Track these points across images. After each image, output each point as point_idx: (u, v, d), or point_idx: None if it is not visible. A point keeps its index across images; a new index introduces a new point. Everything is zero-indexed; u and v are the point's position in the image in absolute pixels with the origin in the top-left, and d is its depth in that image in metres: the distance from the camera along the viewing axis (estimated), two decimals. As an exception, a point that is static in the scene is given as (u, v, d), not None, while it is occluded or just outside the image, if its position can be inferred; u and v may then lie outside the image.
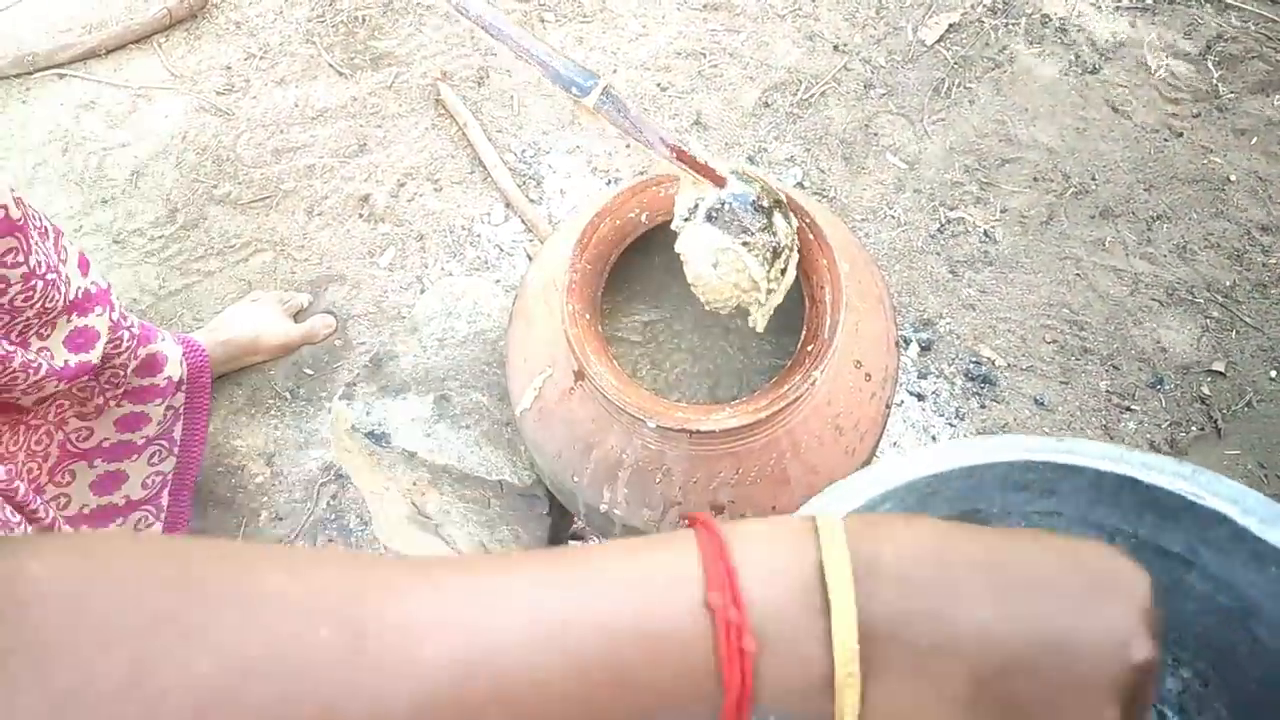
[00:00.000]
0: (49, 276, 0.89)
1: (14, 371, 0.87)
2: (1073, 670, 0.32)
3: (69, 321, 0.97)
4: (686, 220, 0.69)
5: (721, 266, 0.69)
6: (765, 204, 0.69)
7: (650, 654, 0.32)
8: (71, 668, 0.28)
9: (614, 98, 0.67)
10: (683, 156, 0.68)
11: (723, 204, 0.69)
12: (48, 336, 0.95)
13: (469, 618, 0.32)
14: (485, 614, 0.32)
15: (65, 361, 0.95)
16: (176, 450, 1.18)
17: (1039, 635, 0.32)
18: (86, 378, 1.00)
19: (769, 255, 0.69)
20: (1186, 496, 0.60)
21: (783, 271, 0.70)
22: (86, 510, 1.07)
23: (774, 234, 0.69)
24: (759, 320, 0.71)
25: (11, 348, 0.87)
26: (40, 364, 0.90)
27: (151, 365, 1.13)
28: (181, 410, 1.19)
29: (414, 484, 1.02)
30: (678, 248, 0.71)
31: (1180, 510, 0.61)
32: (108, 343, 1.01)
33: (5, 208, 0.82)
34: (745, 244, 0.68)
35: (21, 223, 0.84)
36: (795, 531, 0.35)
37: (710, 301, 0.70)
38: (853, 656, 0.32)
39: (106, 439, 1.09)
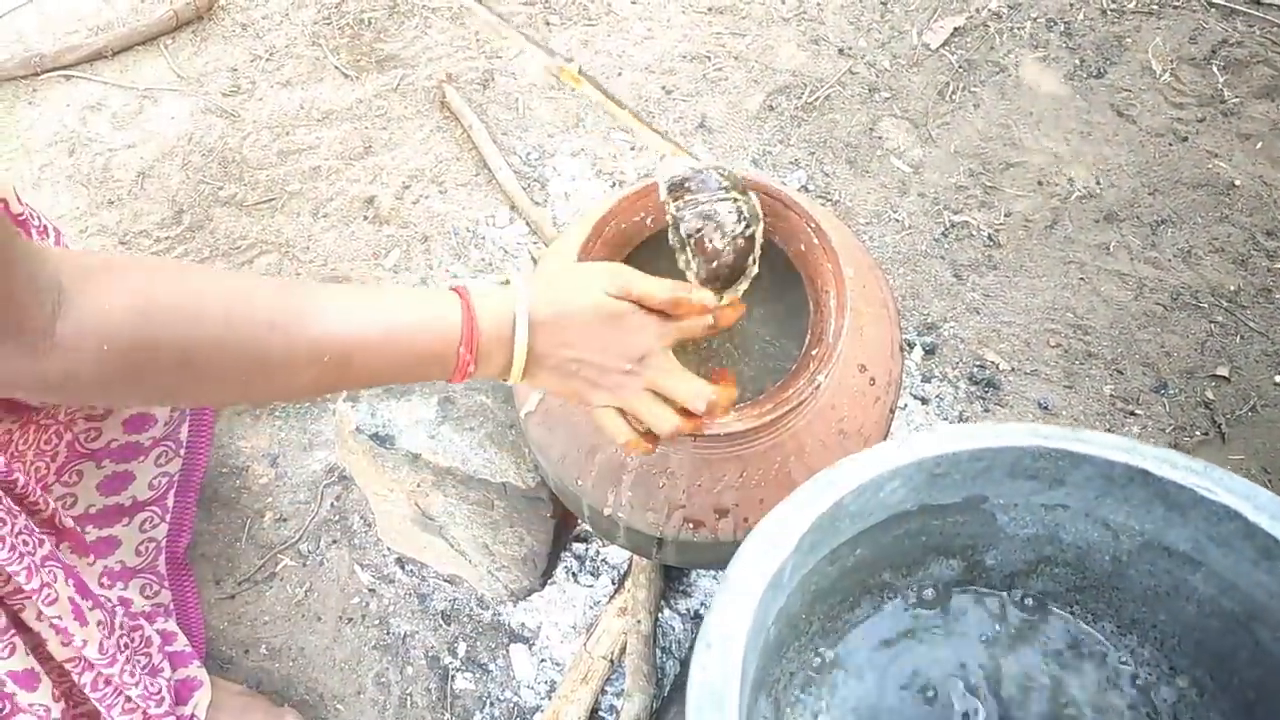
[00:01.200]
0: None
1: None
2: (619, 357, 0.68)
3: None
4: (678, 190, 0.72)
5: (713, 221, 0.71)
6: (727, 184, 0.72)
7: (427, 359, 0.64)
8: (144, 349, 0.56)
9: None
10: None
11: (697, 174, 0.73)
12: None
13: (344, 314, 0.62)
14: (353, 322, 0.62)
15: None
16: (183, 452, 1.18)
17: (587, 370, 0.68)
18: None
19: (743, 217, 0.71)
20: (1198, 491, 0.60)
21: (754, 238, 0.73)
22: (93, 510, 1.07)
23: (745, 201, 0.72)
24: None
25: None
26: None
27: None
28: (187, 411, 1.19)
29: (418, 486, 1.02)
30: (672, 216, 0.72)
31: (1190, 505, 0.61)
32: None
33: (6, 201, 0.83)
34: (726, 200, 0.70)
35: (23, 218, 0.84)
36: (506, 298, 0.66)
37: (705, 263, 0.71)
38: (520, 368, 0.66)
39: (114, 439, 1.09)
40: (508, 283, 0.67)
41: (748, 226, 0.70)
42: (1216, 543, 0.62)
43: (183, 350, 0.56)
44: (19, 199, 0.86)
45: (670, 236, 0.74)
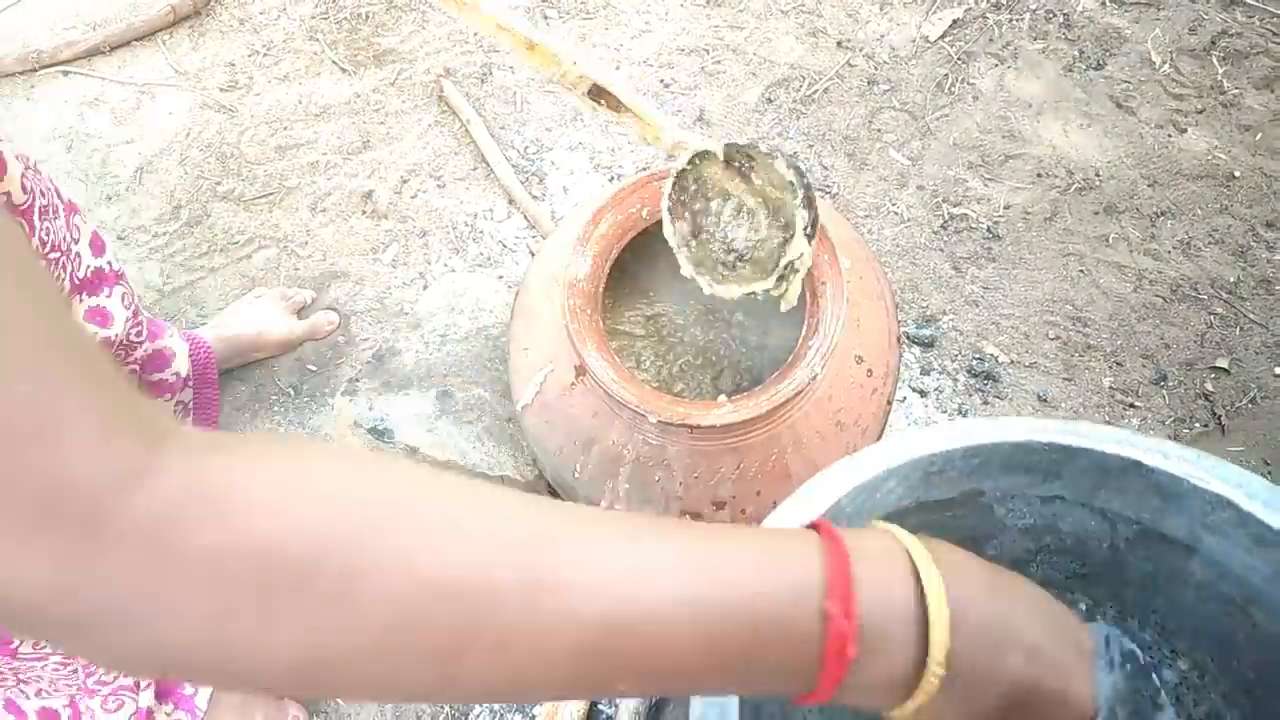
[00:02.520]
0: (51, 255, 0.88)
1: None
2: (1056, 713, 0.43)
3: (80, 301, 0.97)
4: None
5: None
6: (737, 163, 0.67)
7: (767, 641, 0.38)
8: (290, 572, 0.31)
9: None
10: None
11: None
12: None
13: (625, 585, 0.37)
14: (638, 584, 0.37)
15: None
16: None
17: (1047, 685, 0.43)
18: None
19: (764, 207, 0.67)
20: (1191, 481, 0.60)
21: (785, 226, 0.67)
22: None
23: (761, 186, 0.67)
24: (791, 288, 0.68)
25: None
26: None
27: (160, 360, 1.13)
28: (191, 406, 1.20)
29: (416, 479, 1.02)
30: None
31: (1184, 495, 0.61)
32: (128, 328, 1.01)
33: (9, 194, 0.82)
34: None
35: (26, 206, 0.84)
36: (901, 554, 0.42)
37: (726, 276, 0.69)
38: (935, 685, 0.39)
39: None
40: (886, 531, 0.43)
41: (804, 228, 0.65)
42: (1211, 530, 0.62)
43: (343, 594, 0.32)
44: (24, 187, 0.85)
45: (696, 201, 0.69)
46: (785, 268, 0.65)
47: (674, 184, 0.68)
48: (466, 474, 0.99)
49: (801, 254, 0.65)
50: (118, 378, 0.32)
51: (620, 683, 0.37)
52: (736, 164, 0.65)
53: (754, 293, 0.68)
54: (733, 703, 0.52)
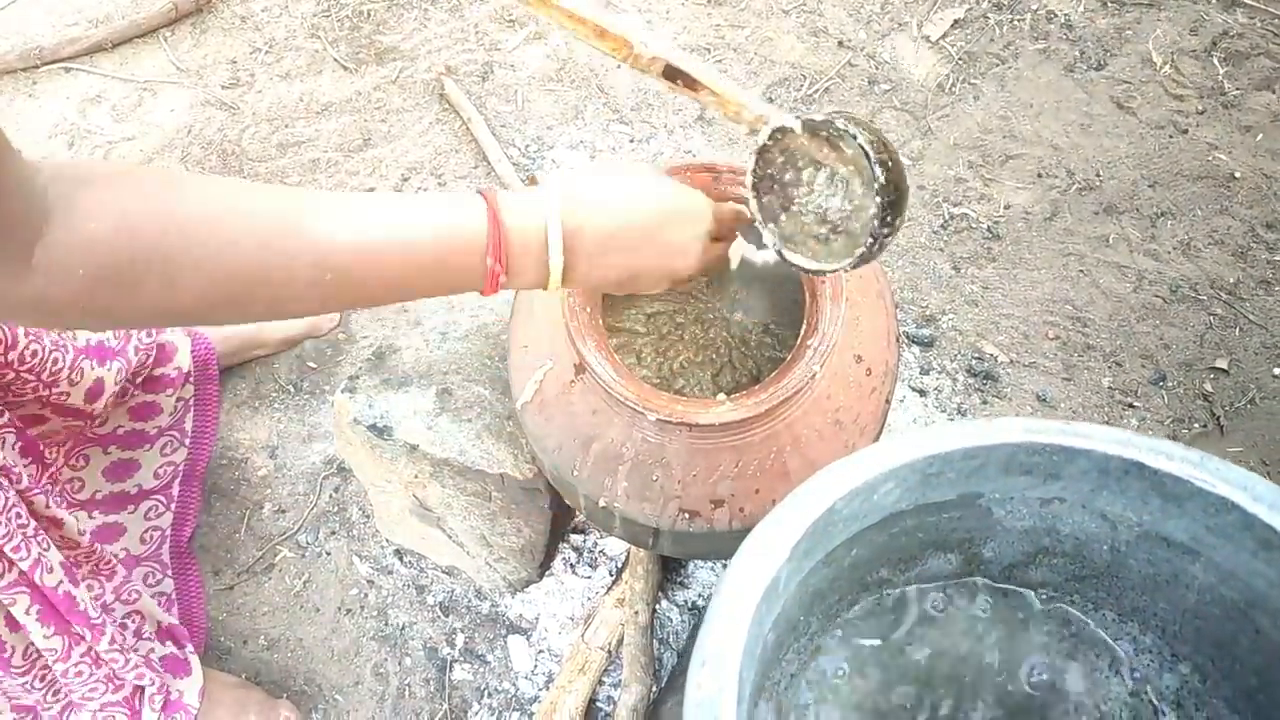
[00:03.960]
0: None
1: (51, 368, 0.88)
2: (666, 267, 0.66)
3: None
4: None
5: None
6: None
7: (448, 257, 0.59)
8: (134, 261, 0.51)
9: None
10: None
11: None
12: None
13: (354, 222, 0.56)
14: (363, 223, 0.56)
15: (89, 340, 0.95)
16: (188, 441, 1.18)
17: (649, 272, 0.66)
18: (117, 361, 1.01)
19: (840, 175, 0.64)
20: (1194, 483, 0.59)
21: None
22: (99, 495, 1.08)
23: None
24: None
25: (37, 345, 0.88)
26: (64, 343, 0.91)
27: (161, 355, 1.13)
28: (192, 402, 1.20)
29: (415, 477, 1.02)
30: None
31: (1187, 497, 0.61)
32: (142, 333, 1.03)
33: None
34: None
35: None
36: (535, 204, 0.61)
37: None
38: (558, 272, 0.62)
39: (120, 426, 1.10)
40: (533, 182, 0.64)
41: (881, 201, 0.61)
42: (1214, 533, 0.62)
43: (165, 272, 0.51)
44: None
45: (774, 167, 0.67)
46: (867, 248, 0.62)
47: (758, 159, 0.65)
48: (464, 473, 0.99)
49: (874, 241, 0.62)
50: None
51: (372, 291, 0.58)
52: (824, 133, 0.62)
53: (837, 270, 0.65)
54: (730, 699, 0.52)
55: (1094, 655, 0.73)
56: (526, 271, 0.61)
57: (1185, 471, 0.59)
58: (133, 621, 0.99)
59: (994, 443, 0.61)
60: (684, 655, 1.04)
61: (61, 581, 0.84)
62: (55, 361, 0.92)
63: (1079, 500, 0.66)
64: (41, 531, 0.82)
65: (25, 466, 0.82)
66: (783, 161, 0.65)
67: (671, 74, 0.69)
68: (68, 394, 0.94)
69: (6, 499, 0.78)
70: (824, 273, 0.66)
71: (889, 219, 0.62)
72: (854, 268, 0.64)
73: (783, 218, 0.66)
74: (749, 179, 0.66)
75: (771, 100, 1.52)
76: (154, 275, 0.51)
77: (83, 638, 0.88)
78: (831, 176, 0.64)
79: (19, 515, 0.79)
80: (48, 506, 0.84)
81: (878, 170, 0.60)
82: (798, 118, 0.63)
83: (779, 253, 0.67)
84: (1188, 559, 0.65)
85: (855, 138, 0.60)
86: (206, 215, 0.53)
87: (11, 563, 0.79)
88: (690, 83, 0.69)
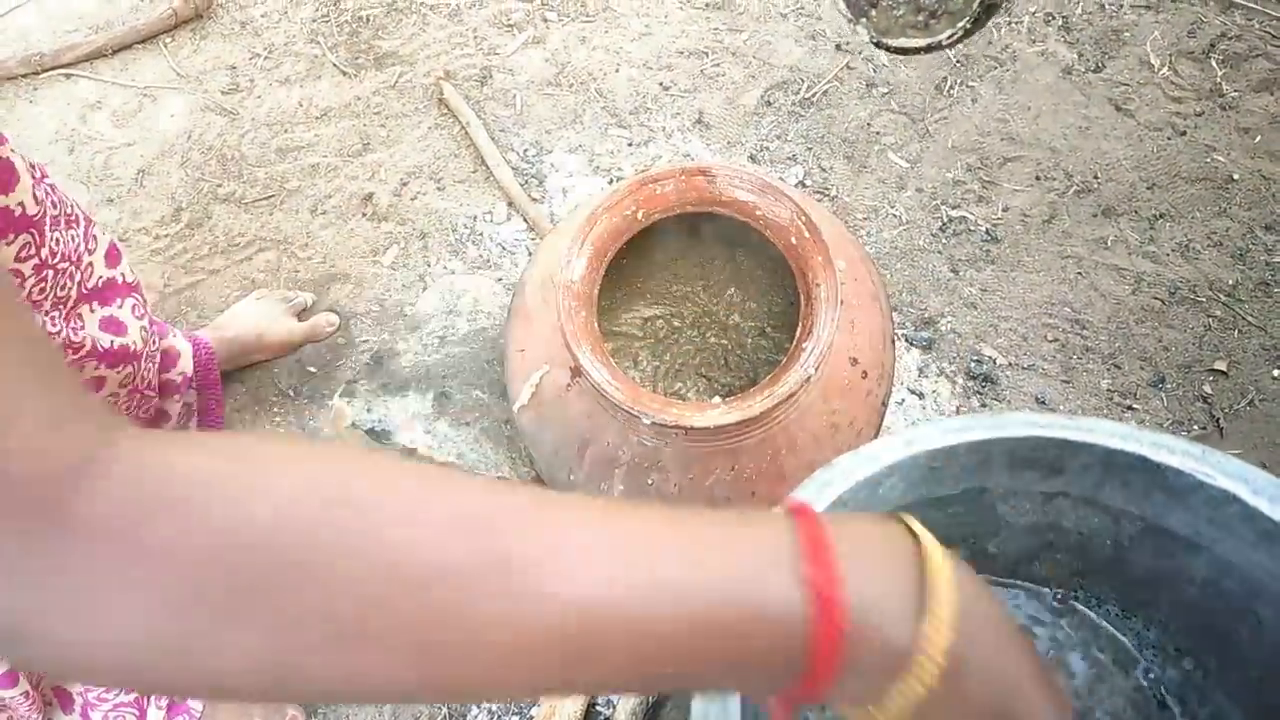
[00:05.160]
0: (60, 265, 0.89)
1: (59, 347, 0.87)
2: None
3: (92, 311, 0.98)
4: None
5: None
6: None
7: (751, 619, 0.35)
8: (248, 565, 0.30)
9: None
10: None
11: None
12: (80, 330, 0.95)
13: (601, 565, 0.34)
14: (614, 564, 0.35)
15: (106, 343, 0.95)
16: None
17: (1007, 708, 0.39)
18: (129, 368, 1.00)
19: None
20: (1197, 476, 0.59)
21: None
22: None
23: None
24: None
25: (54, 327, 0.87)
26: (84, 341, 0.90)
27: (165, 361, 1.14)
28: (195, 407, 1.20)
29: (414, 481, 1.02)
30: None
31: (1189, 491, 0.61)
32: (148, 337, 1.01)
33: (23, 205, 0.83)
34: None
35: (38, 217, 0.85)
36: (891, 532, 0.39)
37: None
38: (939, 658, 0.36)
39: None
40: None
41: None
42: (1216, 526, 0.62)
43: (331, 590, 0.31)
44: (36, 199, 0.85)
45: None
46: (982, 6, 0.57)
47: None
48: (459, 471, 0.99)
49: None
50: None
51: (607, 673, 0.35)
52: None
53: (943, 40, 0.58)
54: (734, 703, 0.52)
55: (1097, 649, 0.73)
56: (866, 662, 0.36)
57: (1187, 465, 0.60)
58: None
59: (998, 436, 0.61)
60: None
61: None
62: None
63: (1082, 494, 0.67)
64: None
65: None
66: None
67: None
68: None
69: None
70: (941, 45, 0.57)
71: None
72: (979, 25, 0.56)
73: (874, 12, 0.61)
74: None
75: (770, 104, 1.52)
76: (306, 591, 0.31)
77: None
78: None
79: None
80: None
81: None
82: None
83: (878, 44, 0.62)
84: (1190, 552, 0.65)
85: None
86: (412, 506, 0.33)
87: None
88: None
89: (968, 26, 0.57)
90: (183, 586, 0.29)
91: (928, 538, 0.39)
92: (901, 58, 0.58)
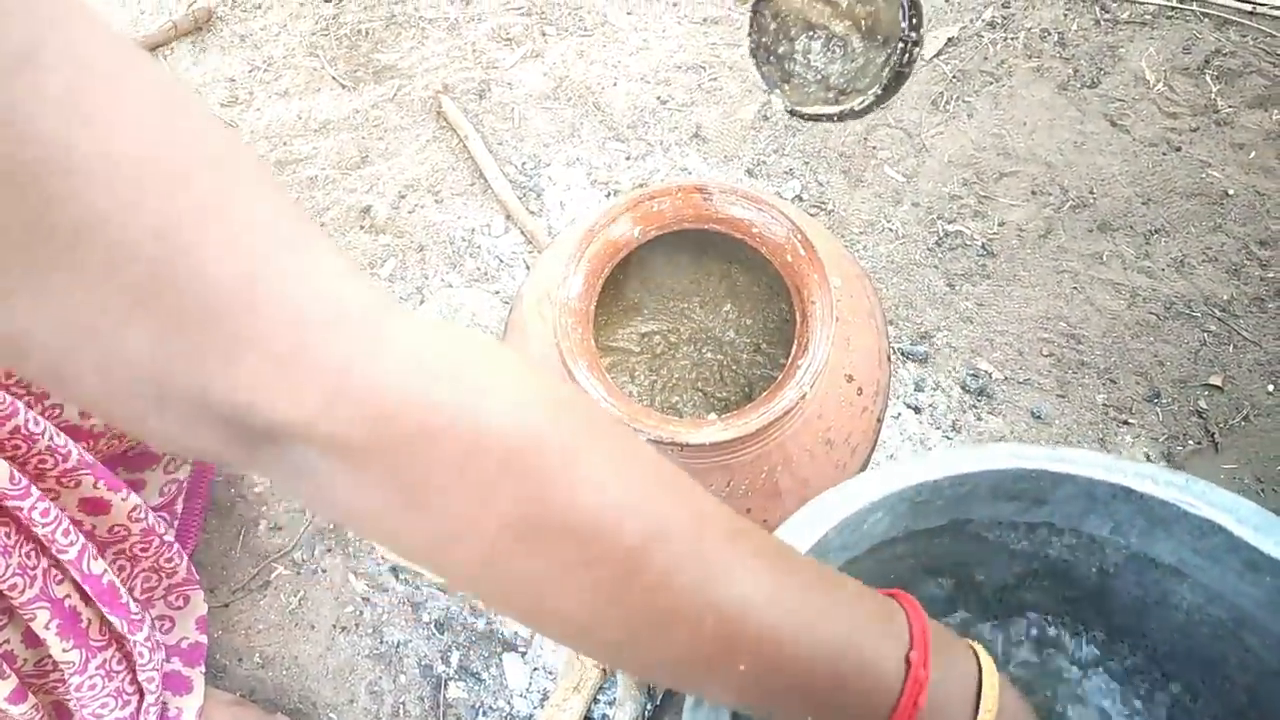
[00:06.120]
0: None
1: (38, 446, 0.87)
2: None
3: None
4: None
5: None
6: None
7: (858, 672, 0.43)
8: (501, 468, 0.35)
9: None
10: None
11: None
12: None
13: (761, 584, 0.40)
14: (771, 588, 0.41)
15: None
16: (191, 458, 1.19)
17: None
18: None
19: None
20: (1180, 506, 0.60)
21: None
22: None
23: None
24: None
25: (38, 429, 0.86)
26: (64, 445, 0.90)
27: None
28: None
29: (411, 495, 1.02)
30: None
31: (1174, 520, 0.61)
32: None
33: None
34: None
35: None
36: (968, 649, 0.50)
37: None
38: None
39: (131, 448, 1.10)
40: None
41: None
42: (1201, 555, 0.62)
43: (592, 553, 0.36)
44: None
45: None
46: (892, 74, 0.59)
47: (752, 23, 0.62)
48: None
49: (909, 52, 0.58)
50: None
51: (725, 671, 0.40)
52: None
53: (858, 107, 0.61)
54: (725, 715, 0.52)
55: (1085, 676, 0.73)
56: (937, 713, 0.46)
57: (1171, 495, 0.60)
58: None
59: (981, 469, 0.61)
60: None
61: (105, 571, 0.85)
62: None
63: (1067, 524, 0.67)
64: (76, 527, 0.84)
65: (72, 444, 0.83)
66: (775, 29, 0.61)
67: None
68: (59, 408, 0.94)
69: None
70: (853, 113, 0.60)
71: (915, 22, 0.57)
72: (889, 93, 0.59)
73: (786, 87, 0.63)
74: (747, 44, 0.64)
75: (767, 119, 1.53)
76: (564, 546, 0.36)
77: (101, 648, 0.89)
78: (828, 41, 0.61)
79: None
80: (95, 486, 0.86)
81: None
82: None
83: (792, 112, 0.64)
84: (1175, 580, 0.65)
85: None
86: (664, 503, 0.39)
87: (33, 578, 0.80)
88: None
89: (878, 93, 0.58)
90: (440, 474, 0.34)
91: (986, 657, 0.50)
92: (815, 123, 0.61)
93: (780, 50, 0.61)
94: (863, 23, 0.58)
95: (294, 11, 1.70)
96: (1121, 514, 0.63)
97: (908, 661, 0.44)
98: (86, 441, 1.00)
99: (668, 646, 0.39)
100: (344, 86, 1.60)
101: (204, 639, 1.07)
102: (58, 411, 0.92)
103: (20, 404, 0.81)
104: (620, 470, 0.38)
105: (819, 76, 0.61)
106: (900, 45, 0.57)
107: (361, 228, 1.46)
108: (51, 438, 0.82)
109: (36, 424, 0.82)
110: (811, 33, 0.60)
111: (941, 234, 1.40)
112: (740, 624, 0.39)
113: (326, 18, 1.68)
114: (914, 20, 0.58)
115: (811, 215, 1.41)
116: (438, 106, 1.56)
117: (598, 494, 0.36)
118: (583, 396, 0.41)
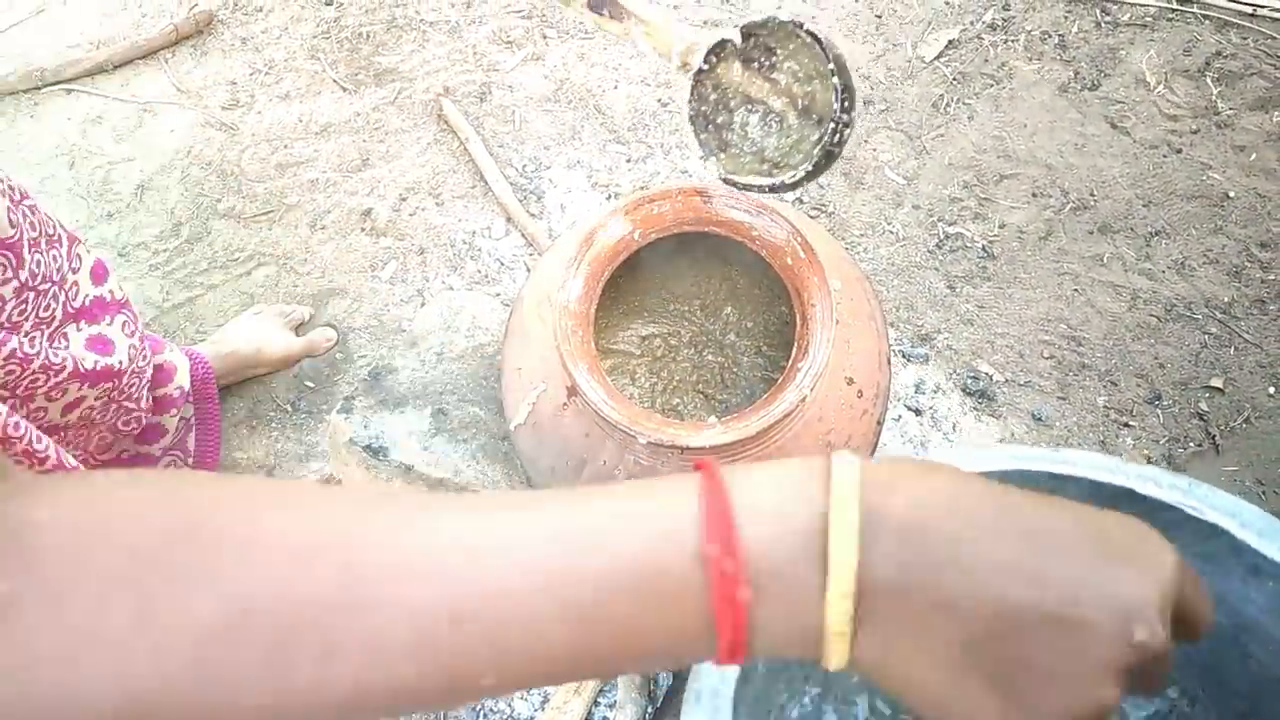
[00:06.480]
0: (42, 286, 0.89)
1: (35, 373, 0.87)
2: (1068, 643, 0.32)
3: (79, 330, 0.98)
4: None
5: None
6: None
7: (645, 601, 0.33)
8: (81, 611, 0.30)
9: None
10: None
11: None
12: (65, 348, 0.95)
13: (465, 563, 0.32)
14: (481, 559, 0.32)
15: (90, 364, 0.95)
16: (191, 460, 1.19)
17: (1037, 603, 0.32)
18: (109, 384, 1.00)
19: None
20: (1184, 509, 0.59)
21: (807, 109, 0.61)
22: None
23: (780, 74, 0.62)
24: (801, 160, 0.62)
25: (33, 349, 0.87)
26: (64, 362, 0.90)
27: (160, 375, 1.14)
28: (193, 421, 1.20)
29: (411, 497, 1.02)
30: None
31: (1177, 524, 0.61)
32: (136, 355, 1.02)
33: None
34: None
35: (14, 239, 0.85)
36: (805, 477, 0.35)
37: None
38: (845, 614, 0.32)
39: (125, 451, 1.10)
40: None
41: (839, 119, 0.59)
42: (1204, 559, 0.62)
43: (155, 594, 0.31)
44: (12, 222, 0.85)
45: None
46: (823, 152, 0.60)
47: (693, 92, 0.64)
48: (459, 492, 0.99)
49: (836, 127, 0.59)
50: None
51: (484, 677, 0.32)
52: (756, 63, 0.60)
53: (792, 181, 0.62)
54: (726, 703, 0.52)
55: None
56: (780, 616, 0.33)
57: (1174, 498, 0.59)
58: None
59: (986, 470, 0.61)
60: (679, 675, 1.03)
61: None
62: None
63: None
64: None
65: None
66: (715, 100, 0.64)
67: (598, 3, 0.67)
68: (45, 409, 0.94)
69: None
70: (784, 186, 0.62)
71: (847, 105, 0.60)
72: (820, 170, 0.61)
73: (722, 156, 0.66)
74: (687, 111, 0.66)
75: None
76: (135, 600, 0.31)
77: None
78: (765, 116, 0.63)
79: None
80: None
81: (827, 50, 0.58)
82: (736, 28, 0.61)
83: (726, 180, 0.66)
84: None
85: (800, 26, 0.59)
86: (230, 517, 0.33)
87: None
88: (617, 12, 0.67)
89: (809, 170, 0.61)
90: (18, 636, 0.30)
91: (842, 469, 0.34)
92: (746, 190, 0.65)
93: (719, 120, 0.64)
94: (799, 101, 0.60)
95: (295, 14, 1.70)
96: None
97: (704, 557, 0.32)
98: (60, 435, 0.99)
99: (395, 680, 0.32)
100: (345, 89, 1.60)
101: None
102: (42, 414, 0.91)
103: (2, 406, 0.80)
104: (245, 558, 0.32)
105: (755, 148, 0.63)
106: (833, 126, 0.59)
107: (362, 230, 1.46)
108: (31, 442, 0.82)
109: (17, 428, 0.81)
110: (750, 106, 0.63)
111: (942, 236, 1.40)
112: (464, 623, 0.32)
113: (327, 21, 1.69)
114: (846, 103, 0.60)
115: (811, 218, 1.41)
116: (439, 109, 1.56)
117: (216, 591, 0.31)
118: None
